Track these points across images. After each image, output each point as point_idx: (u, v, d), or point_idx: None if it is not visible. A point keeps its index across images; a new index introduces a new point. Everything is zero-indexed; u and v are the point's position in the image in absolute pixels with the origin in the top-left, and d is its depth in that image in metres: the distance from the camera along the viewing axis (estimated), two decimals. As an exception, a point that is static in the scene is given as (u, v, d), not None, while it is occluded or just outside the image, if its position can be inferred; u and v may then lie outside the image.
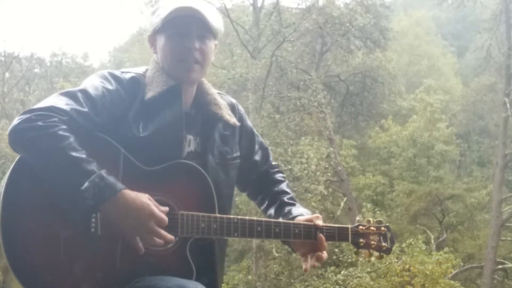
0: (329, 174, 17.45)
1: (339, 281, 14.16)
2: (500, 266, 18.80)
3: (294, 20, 18.61)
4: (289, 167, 15.80)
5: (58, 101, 1.75)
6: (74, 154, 1.65)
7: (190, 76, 1.95)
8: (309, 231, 2.01)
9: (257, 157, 2.20)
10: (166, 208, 1.75)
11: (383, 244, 2.12)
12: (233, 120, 2.07)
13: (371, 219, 2.15)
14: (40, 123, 1.66)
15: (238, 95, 18.18)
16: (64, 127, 1.68)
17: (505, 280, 18.91)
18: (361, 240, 2.10)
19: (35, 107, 1.73)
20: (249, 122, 2.21)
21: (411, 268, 13.90)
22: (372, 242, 2.11)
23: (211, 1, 14.78)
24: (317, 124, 18.30)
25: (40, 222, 1.69)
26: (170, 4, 1.93)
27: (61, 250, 1.69)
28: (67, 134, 1.67)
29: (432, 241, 19.27)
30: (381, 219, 2.20)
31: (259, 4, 18.51)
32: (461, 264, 18.18)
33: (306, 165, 15.83)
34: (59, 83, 19.59)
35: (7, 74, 20.86)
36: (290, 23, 18.40)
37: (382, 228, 2.13)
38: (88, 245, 1.70)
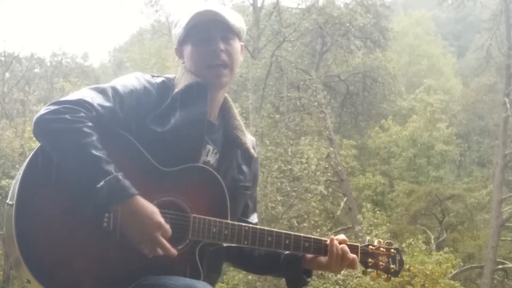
0: (329, 174, 17.45)
1: (339, 281, 14.17)
2: (500, 266, 18.80)
3: (294, 20, 18.63)
4: (289, 167, 15.81)
5: (87, 94, 1.78)
6: (94, 152, 1.68)
7: (221, 81, 1.98)
8: (319, 245, 2.01)
9: (251, 204, 2.17)
10: (170, 230, 1.76)
11: (392, 266, 2.11)
12: (252, 150, 2.09)
13: (381, 240, 2.15)
14: (67, 116, 1.69)
15: (238, 95, 18.20)
16: (90, 124, 1.71)
17: (505, 280, 18.91)
18: (370, 259, 2.09)
19: (64, 99, 1.76)
20: (258, 166, 2.22)
21: (411, 268, 13.91)
22: (381, 263, 2.10)
23: (213, 1, 14.77)
24: (317, 124, 18.30)
25: (54, 214, 1.71)
26: (189, 12, 1.96)
27: (72, 242, 1.71)
28: (91, 131, 1.70)
29: (432, 241, 19.28)
30: (391, 241, 2.19)
31: (259, 4, 18.53)
32: (461, 264, 18.19)
33: (306, 165, 15.84)
34: (59, 83, 19.60)
35: (7, 74, 20.82)
36: (290, 23, 18.42)
37: (392, 250, 2.13)
38: (99, 239, 1.72)
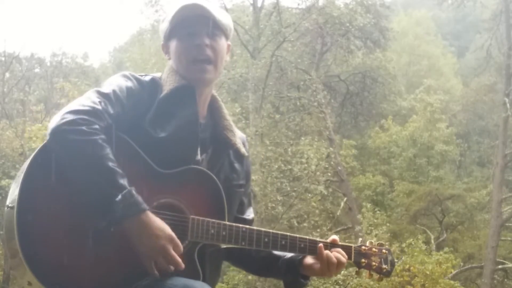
0: (329, 174, 17.46)
1: (339, 281, 14.16)
2: (500, 266, 18.80)
3: (294, 20, 18.64)
4: (289, 167, 15.81)
5: (96, 101, 1.78)
6: (111, 165, 1.69)
7: (204, 77, 1.97)
8: (314, 246, 2.04)
9: (245, 200, 2.19)
10: (181, 246, 1.77)
11: (384, 266, 2.17)
12: (243, 150, 2.10)
13: (373, 241, 2.20)
14: (84, 128, 1.69)
15: (238, 95, 18.21)
16: (103, 136, 1.73)
17: (505, 280, 18.91)
18: (363, 260, 2.14)
19: (79, 108, 1.74)
20: (250, 163, 2.23)
21: (411, 268, 13.89)
22: (374, 263, 2.15)
23: (211, 1, 14.78)
24: (317, 124, 18.31)
25: (55, 216, 1.72)
26: (175, 7, 1.96)
27: (73, 244, 1.71)
28: (106, 144, 1.72)
29: (432, 241, 19.28)
30: (383, 242, 2.23)
31: (259, 4, 18.54)
32: (461, 264, 18.19)
33: (306, 165, 15.85)
34: (59, 83, 19.57)
35: (7, 74, 20.80)
36: (290, 23, 18.42)
37: (384, 251, 2.18)
38: (98, 241, 1.73)
